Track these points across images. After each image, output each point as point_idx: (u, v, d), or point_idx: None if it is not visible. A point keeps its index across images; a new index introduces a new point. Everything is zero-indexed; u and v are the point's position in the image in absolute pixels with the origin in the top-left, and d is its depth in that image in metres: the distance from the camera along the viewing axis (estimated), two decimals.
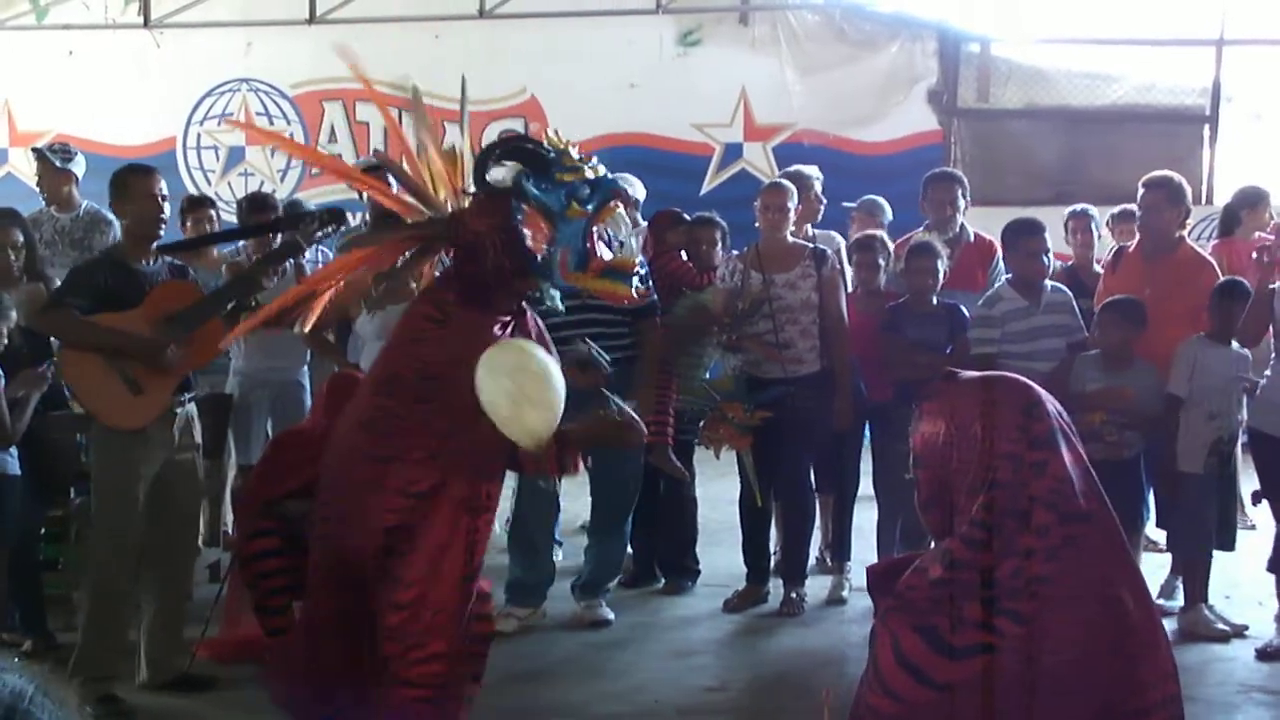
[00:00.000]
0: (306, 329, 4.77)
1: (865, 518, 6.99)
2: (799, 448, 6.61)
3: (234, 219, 8.31)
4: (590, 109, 10.81)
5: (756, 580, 6.69)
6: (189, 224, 7.45)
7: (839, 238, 7.73)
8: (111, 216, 6.41)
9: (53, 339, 5.56)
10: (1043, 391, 3.47)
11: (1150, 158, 9.27)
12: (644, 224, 7.13)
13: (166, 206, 5.38)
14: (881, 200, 8.36)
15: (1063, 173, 11.08)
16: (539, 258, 3.96)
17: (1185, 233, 6.77)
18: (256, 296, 5.49)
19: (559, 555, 7.03)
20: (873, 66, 11.40)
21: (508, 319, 4.12)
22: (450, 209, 4.15)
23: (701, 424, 6.63)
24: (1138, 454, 6.24)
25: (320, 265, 6.99)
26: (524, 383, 3.86)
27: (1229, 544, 6.32)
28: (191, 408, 5.53)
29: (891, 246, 7.09)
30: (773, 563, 6.85)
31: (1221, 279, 6.40)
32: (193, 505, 5.75)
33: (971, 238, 7.17)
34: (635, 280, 4.14)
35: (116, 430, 5.21)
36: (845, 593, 6.65)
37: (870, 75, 11.39)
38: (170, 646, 5.42)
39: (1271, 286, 5.94)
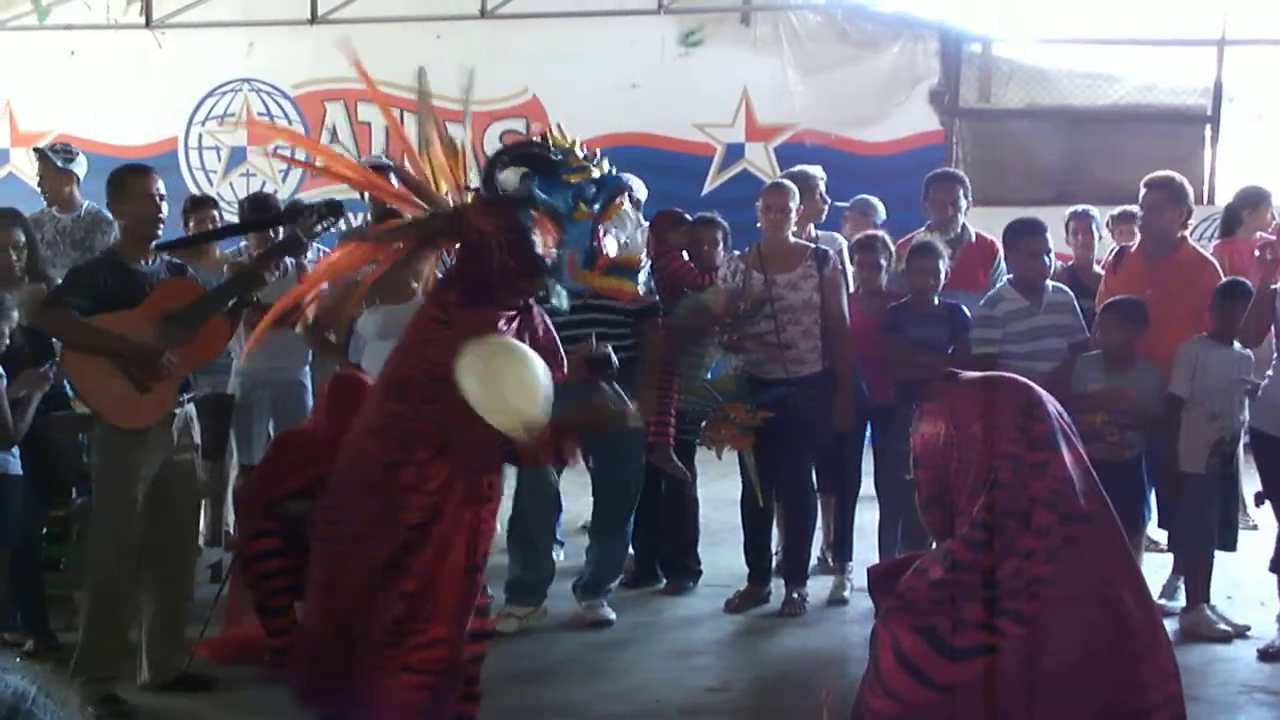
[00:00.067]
0: (304, 328, 4.79)
1: (867, 518, 6.99)
2: (800, 448, 6.61)
3: (236, 219, 8.31)
4: (592, 109, 10.80)
5: (758, 580, 6.69)
6: (192, 224, 7.44)
7: (842, 239, 7.73)
8: (113, 217, 6.41)
9: (55, 339, 5.56)
10: (1043, 392, 3.46)
11: (1152, 158, 9.27)
12: (645, 224, 7.12)
13: (164, 206, 5.35)
14: (875, 200, 8.37)
15: (1064, 173, 11.08)
16: (549, 261, 4.01)
17: (1187, 233, 6.77)
18: (258, 293, 5.50)
19: (560, 555, 7.03)
20: (874, 67, 11.40)
21: (513, 315, 4.15)
22: (453, 204, 4.18)
23: (703, 424, 6.63)
24: (1139, 454, 6.24)
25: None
26: (498, 372, 3.90)
27: (1231, 544, 6.32)
28: (190, 408, 5.53)
29: (893, 247, 7.09)
30: (774, 563, 6.84)
31: (1223, 279, 6.40)
32: (191, 506, 5.75)
33: (973, 238, 7.17)
34: (641, 276, 4.18)
35: (119, 430, 5.21)
36: (847, 593, 6.65)
37: (872, 75, 11.39)
38: (171, 647, 5.42)
39: (1273, 286, 5.94)
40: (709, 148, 11.56)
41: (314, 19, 11.79)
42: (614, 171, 4.22)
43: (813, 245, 6.83)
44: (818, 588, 6.72)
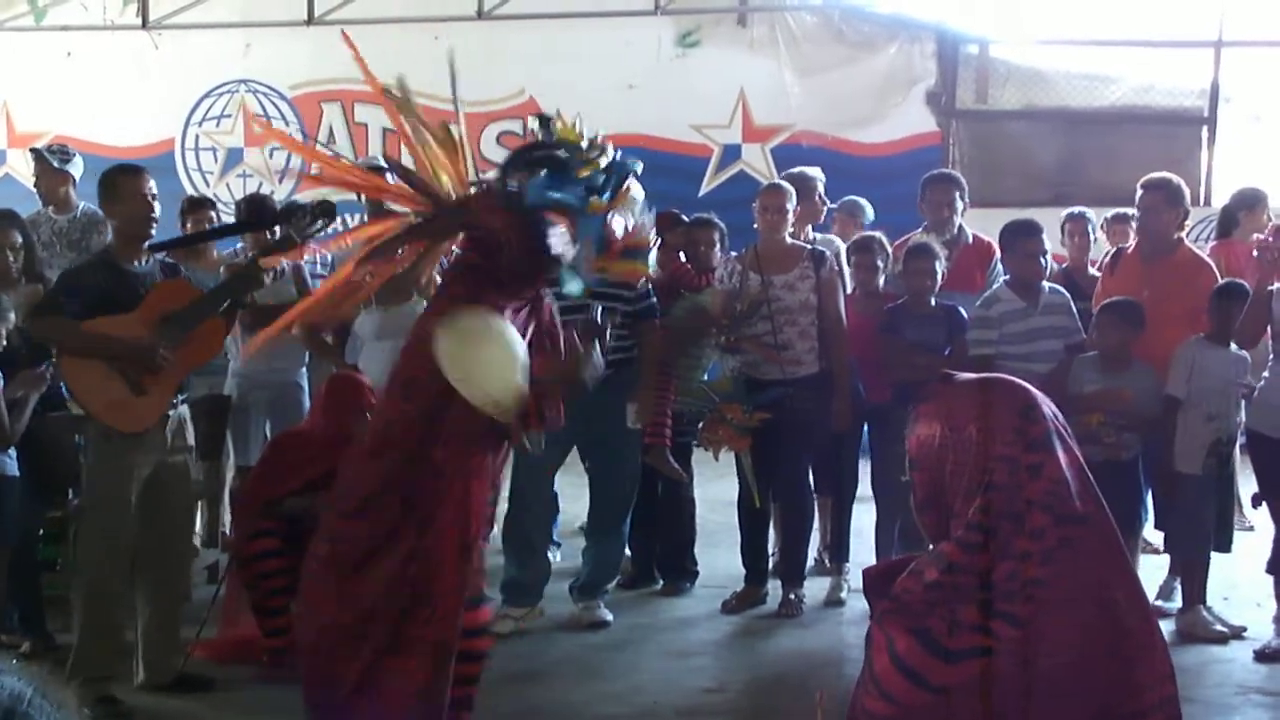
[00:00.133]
0: (300, 329, 4.79)
1: (864, 519, 7.00)
2: (797, 449, 6.62)
3: (233, 220, 8.30)
4: (589, 110, 10.60)
5: (755, 581, 6.69)
6: (189, 225, 7.43)
7: (839, 241, 7.72)
8: (105, 217, 6.40)
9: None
10: (1039, 393, 3.47)
11: (1149, 159, 9.27)
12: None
13: (157, 206, 5.34)
14: (863, 201, 8.38)
15: (1061, 174, 11.08)
16: (566, 257, 4.07)
17: (1184, 234, 6.77)
18: (254, 294, 5.49)
19: (557, 556, 7.03)
20: (871, 68, 11.39)
21: (521, 305, 4.18)
22: (456, 197, 4.18)
23: (700, 425, 6.64)
24: (1136, 455, 6.25)
25: (317, 265, 7.02)
26: (472, 353, 3.95)
27: (1227, 545, 6.32)
28: (184, 409, 5.53)
29: (890, 248, 7.09)
30: (771, 564, 6.85)
31: (1220, 280, 6.41)
32: (186, 507, 5.75)
33: (970, 239, 7.16)
34: (651, 255, 4.24)
35: (114, 432, 5.21)
36: (844, 594, 6.66)
37: (869, 76, 11.38)
38: (167, 647, 5.42)
39: (1270, 288, 5.94)
40: (706, 149, 11.56)
41: (311, 20, 11.78)
42: (618, 156, 4.25)
43: (809, 246, 6.84)
44: (814, 589, 6.72)
